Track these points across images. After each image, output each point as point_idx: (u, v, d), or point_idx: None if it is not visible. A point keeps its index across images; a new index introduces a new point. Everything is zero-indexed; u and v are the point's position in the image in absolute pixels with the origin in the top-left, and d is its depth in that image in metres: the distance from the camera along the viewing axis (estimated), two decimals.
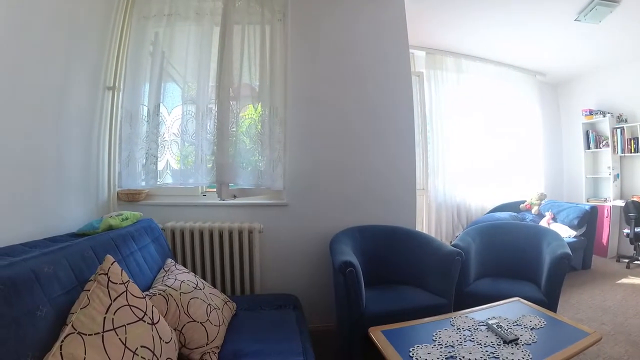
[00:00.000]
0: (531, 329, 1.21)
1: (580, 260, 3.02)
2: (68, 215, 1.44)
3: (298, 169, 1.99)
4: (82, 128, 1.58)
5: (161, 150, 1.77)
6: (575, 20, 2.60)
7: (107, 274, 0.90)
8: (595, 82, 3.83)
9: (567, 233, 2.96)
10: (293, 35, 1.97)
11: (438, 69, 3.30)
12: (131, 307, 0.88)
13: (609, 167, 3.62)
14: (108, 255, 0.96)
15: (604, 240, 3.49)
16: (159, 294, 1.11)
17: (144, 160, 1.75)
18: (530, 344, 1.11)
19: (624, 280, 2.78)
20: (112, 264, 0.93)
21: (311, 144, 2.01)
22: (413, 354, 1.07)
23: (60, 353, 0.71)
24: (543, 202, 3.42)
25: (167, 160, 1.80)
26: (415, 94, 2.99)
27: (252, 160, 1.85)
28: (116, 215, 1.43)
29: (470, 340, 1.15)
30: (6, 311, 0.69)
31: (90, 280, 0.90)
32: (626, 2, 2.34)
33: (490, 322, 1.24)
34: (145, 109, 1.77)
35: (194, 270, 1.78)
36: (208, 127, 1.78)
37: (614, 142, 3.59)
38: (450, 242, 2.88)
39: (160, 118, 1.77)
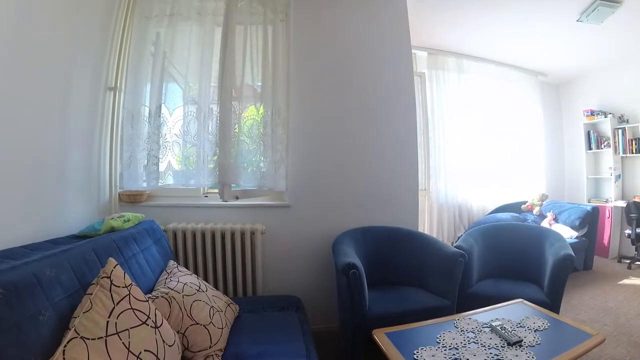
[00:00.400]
0: (534, 331, 1.21)
1: (581, 261, 3.02)
2: (69, 217, 1.44)
3: (300, 170, 1.98)
4: (83, 129, 1.58)
5: (163, 151, 1.76)
6: (577, 20, 2.60)
7: (109, 277, 0.89)
8: (597, 83, 3.83)
9: (568, 234, 2.96)
10: (295, 35, 1.96)
11: (440, 69, 3.30)
12: (134, 310, 0.88)
13: (610, 168, 3.62)
14: (110, 258, 0.95)
15: (606, 241, 3.49)
16: (162, 297, 1.11)
17: (146, 161, 1.74)
18: (534, 346, 1.11)
19: (626, 281, 2.78)
20: (114, 267, 0.92)
21: (313, 145, 2.01)
22: (418, 357, 1.07)
23: (63, 358, 0.70)
24: (544, 202, 3.42)
25: (169, 161, 1.79)
26: (417, 94, 2.98)
27: (254, 161, 1.85)
28: (118, 217, 1.42)
29: (474, 342, 1.15)
30: (8, 316, 0.68)
31: (93, 283, 0.89)
32: (628, 2, 2.34)
33: (493, 323, 1.24)
34: (147, 109, 1.76)
35: (196, 272, 1.77)
36: (210, 128, 1.78)
37: (615, 142, 3.58)
38: (452, 243, 2.89)
39: (161, 119, 1.76)
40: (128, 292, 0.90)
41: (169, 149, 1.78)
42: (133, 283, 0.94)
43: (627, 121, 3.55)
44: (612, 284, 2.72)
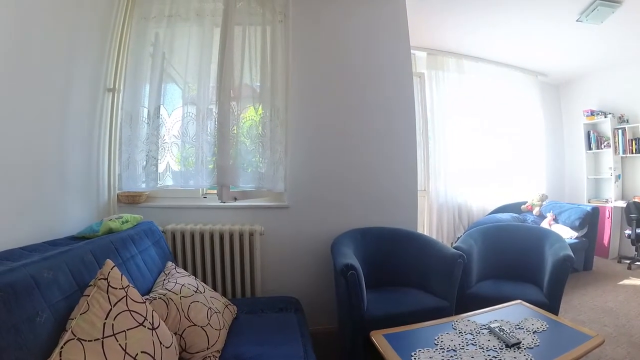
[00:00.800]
0: (533, 333, 1.21)
1: (581, 262, 3.01)
2: (68, 218, 1.44)
3: (299, 171, 1.98)
4: (82, 130, 1.58)
5: (161, 152, 1.76)
6: (577, 20, 2.59)
7: (107, 278, 0.89)
8: (597, 83, 3.82)
9: (568, 234, 2.95)
10: (294, 36, 1.96)
11: (439, 70, 3.29)
12: (131, 312, 0.88)
13: (610, 168, 3.61)
14: (108, 259, 0.95)
15: (606, 242, 3.48)
16: (159, 298, 1.11)
17: (144, 162, 1.74)
18: (532, 348, 1.11)
19: (626, 282, 2.77)
20: (112, 269, 0.92)
21: (312, 146, 2.00)
22: (415, 359, 1.06)
23: (60, 359, 0.70)
24: (544, 203, 3.41)
25: (168, 162, 1.79)
26: (416, 94, 2.98)
27: (253, 162, 1.85)
28: (116, 218, 1.42)
29: (473, 344, 1.15)
30: (6, 317, 0.69)
31: (90, 285, 0.89)
32: (628, 2, 2.33)
33: (492, 325, 1.24)
34: (146, 110, 1.76)
35: (194, 273, 1.77)
36: (209, 129, 1.78)
37: (615, 142, 3.58)
38: (452, 244, 2.88)
39: (160, 120, 1.76)
40: (125, 294, 0.90)
41: (168, 150, 1.78)
42: (130, 285, 0.94)
43: (627, 121, 3.54)
44: (612, 284, 2.71)
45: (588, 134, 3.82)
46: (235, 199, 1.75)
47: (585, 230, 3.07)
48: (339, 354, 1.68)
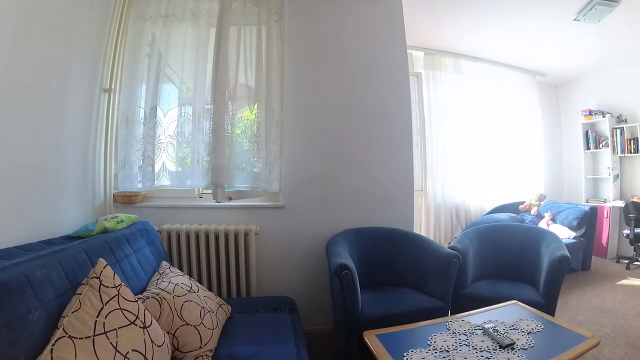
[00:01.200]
0: (528, 333, 1.20)
1: (579, 262, 3.01)
2: (64, 218, 1.44)
3: (295, 170, 1.98)
4: (78, 130, 1.58)
5: (157, 152, 1.77)
6: (574, 20, 2.59)
7: (99, 277, 0.89)
8: (595, 82, 3.82)
9: (566, 234, 2.95)
10: (289, 36, 1.96)
11: (437, 70, 3.29)
12: (123, 310, 0.88)
13: (608, 168, 3.61)
14: (100, 258, 0.96)
15: (604, 241, 3.48)
16: (152, 297, 1.11)
17: (141, 162, 1.75)
18: (526, 349, 1.10)
19: (624, 282, 2.77)
20: (104, 268, 0.92)
21: (308, 145, 2.01)
22: (408, 359, 1.06)
23: (51, 357, 0.71)
24: (542, 202, 3.41)
25: (164, 162, 1.80)
26: (413, 94, 2.99)
27: (248, 162, 1.85)
28: (111, 218, 1.43)
29: (466, 344, 1.14)
30: None
31: (83, 283, 0.89)
32: (626, 1, 2.33)
33: (486, 326, 1.23)
34: (142, 110, 1.77)
35: (189, 273, 1.78)
36: (204, 129, 1.78)
37: (613, 142, 3.57)
38: (449, 244, 2.88)
39: (156, 120, 1.77)
40: (117, 293, 0.90)
41: (164, 150, 1.79)
42: (123, 283, 0.95)
43: (626, 121, 3.54)
44: (610, 284, 2.70)
45: (586, 133, 3.82)
46: (230, 199, 1.75)
47: (583, 230, 3.06)
48: (335, 354, 1.68)
